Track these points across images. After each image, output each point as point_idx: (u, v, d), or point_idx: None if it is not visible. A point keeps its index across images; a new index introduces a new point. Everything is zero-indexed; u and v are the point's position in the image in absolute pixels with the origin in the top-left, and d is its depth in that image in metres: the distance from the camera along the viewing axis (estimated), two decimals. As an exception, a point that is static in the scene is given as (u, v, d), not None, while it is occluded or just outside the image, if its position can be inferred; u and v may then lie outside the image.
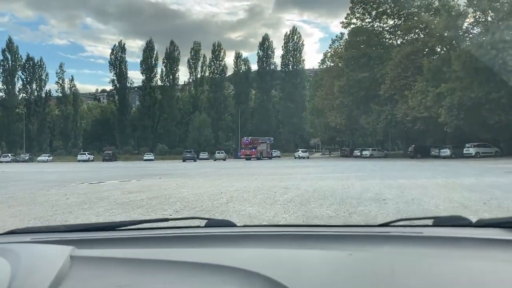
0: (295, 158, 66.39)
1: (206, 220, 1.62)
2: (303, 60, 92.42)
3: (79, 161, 68.91)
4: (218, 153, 64.85)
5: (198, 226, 1.57)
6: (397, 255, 1.13)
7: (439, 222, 1.46)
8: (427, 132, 55.50)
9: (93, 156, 73.56)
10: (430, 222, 1.46)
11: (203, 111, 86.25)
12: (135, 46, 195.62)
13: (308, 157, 65.58)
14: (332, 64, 71.42)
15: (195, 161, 61.31)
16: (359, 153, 63.82)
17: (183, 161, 59.98)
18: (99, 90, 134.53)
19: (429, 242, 1.20)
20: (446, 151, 46.08)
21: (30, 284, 0.98)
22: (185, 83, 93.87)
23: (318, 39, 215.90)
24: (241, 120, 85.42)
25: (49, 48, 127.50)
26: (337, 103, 64.07)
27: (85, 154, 71.61)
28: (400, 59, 52.07)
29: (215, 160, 63.08)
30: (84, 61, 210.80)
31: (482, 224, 1.34)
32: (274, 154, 73.39)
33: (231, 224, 1.60)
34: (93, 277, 1.04)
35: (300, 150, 69.39)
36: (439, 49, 53.12)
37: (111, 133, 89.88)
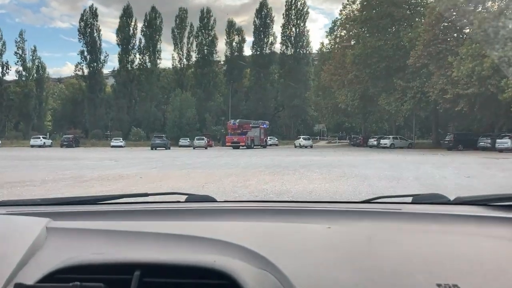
0: (295, 147, 53.39)
1: (187, 196, 1.60)
2: (308, 31, 78.63)
3: (32, 146, 56.49)
4: (198, 139, 51.81)
5: (178, 201, 1.55)
6: (376, 229, 1.14)
7: (418, 199, 1.47)
8: (470, 115, 42.16)
9: (50, 141, 60.81)
10: (409, 199, 1.46)
11: (189, 89, 73.00)
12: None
13: (311, 146, 52.51)
14: (344, 32, 57.76)
15: (167, 149, 48.38)
16: (375, 142, 50.63)
17: (151, 149, 47.14)
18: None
19: (408, 217, 1.23)
20: (507, 142, 32.76)
21: (5, 253, 1.00)
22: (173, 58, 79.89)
23: (323, 25, 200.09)
24: (233, 101, 72.05)
25: (51, 31, 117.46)
26: (350, 78, 50.63)
27: (39, 138, 58.81)
28: (437, 16, 38.44)
29: (194, 148, 50.12)
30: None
31: (460, 201, 1.38)
32: (270, 142, 60.30)
33: (211, 200, 1.60)
34: (68, 247, 1.05)
35: (301, 137, 56.31)
36: None
37: (83, 114, 76.90)
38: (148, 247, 1.04)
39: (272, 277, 0.88)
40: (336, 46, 59.31)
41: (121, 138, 60.27)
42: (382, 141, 48.77)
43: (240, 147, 47.98)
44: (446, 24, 37.64)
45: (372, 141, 51.30)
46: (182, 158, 23.67)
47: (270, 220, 1.26)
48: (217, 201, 1.59)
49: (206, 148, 50.57)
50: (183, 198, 1.60)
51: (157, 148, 47.59)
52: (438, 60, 38.84)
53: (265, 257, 0.93)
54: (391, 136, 50.91)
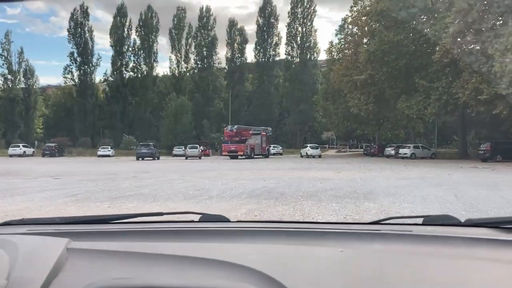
0: (302, 156, 47.29)
1: (201, 215, 1.61)
2: (315, 31, 72.69)
3: (10, 155, 51.24)
4: (191, 148, 45.88)
5: (192, 221, 1.57)
6: (387, 252, 1.15)
7: (429, 221, 1.46)
8: (506, 120, 35.90)
9: (32, 150, 55.41)
10: (420, 221, 1.44)
11: (187, 94, 67.35)
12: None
13: (319, 156, 46.35)
14: (356, 29, 51.80)
15: (155, 158, 42.52)
16: (392, 152, 44.37)
17: (137, 159, 41.35)
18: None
19: (419, 240, 1.22)
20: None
21: (29, 274, 1.02)
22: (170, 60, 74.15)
23: (329, 33, 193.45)
24: (234, 106, 66.24)
25: (60, 40, 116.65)
26: (363, 78, 44.53)
27: (18, 146, 53.43)
28: (469, 2, 32.33)
29: (186, 158, 44.20)
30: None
31: (471, 223, 1.35)
32: (273, 151, 54.27)
33: (225, 220, 1.60)
34: (89, 268, 1.07)
35: (308, 145, 50.11)
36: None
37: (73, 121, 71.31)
38: (164, 270, 1.05)
39: None
40: (347, 45, 53.38)
41: (109, 147, 54.76)
42: (402, 151, 42.48)
43: (239, 156, 42.01)
44: (483, 8, 31.52)
45: (389, 150, 45.00)
46: (143, 175, 17.74)
47: (283, 242, 1.26)
48: (230, 221, 1.59)
49: (199, 157, 44.64)
50: (197, 217, 1.61)
51: (144, 158, 41.77)
52: (470, 54, 32.71)
53: (279, 282, 0.93)
54: (411, 145, 44.64)
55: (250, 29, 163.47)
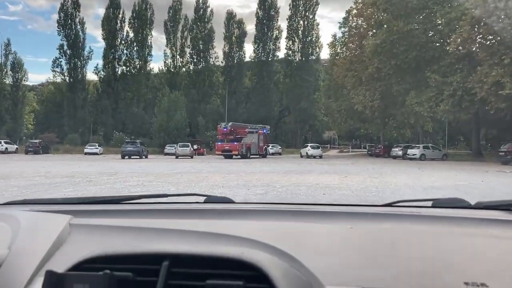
0: (302, 156, 43.92)
1: (206, 197, 1.61)
2: (317, 25, 69.10)
3: (-10, 153, 48.14)
4: (182, 146, 42.48)
5: (197, 202, 1.55)
6: (398, 231, 1.14)
7: (439, 203, 1.46)
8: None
9: (15, 147, 52.31)
10: (429, 203, 1.44)
11: (182, 89, 63.97)
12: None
13: (321, 156, 42.94)
14: (361, 20, 48.29)
15: (142, 157, 39.15)
16: (400, 152, 41.00)
17: (122, 158, 38.01)
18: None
19: (429, 220, 1.23)
20: None
21: (30, 247, 1.04)
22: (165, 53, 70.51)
23: (330, 34, 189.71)
24: (231, 103, 62.79)
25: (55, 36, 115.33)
26: (369, 72, 41.17)
27: (0, 143, 50.25)
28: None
29: (177, 157, 40.82)
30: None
31: (481, 206, 1.36)
32: (272, 150, 50.90)
33: (230, 201, 1.59)
34: (92, 242, 1.07)
35: (309, 145, 46.69)
36: None
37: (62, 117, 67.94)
38: (174, 241, 1.04)
39: (300, 274, 0.87)
40: (351, 38, 49.88)
41: (96, 144, 51.57)
42: (410, 151, 39.07)
43: (234, 156, 38.64)
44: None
45: (397, 151, 41.61)
46: (102, 178, 14.43)
47: (292, 220, 1.25)
48: (236, 203, 1.58)
49: (191, 157, 41.25)
50: (202, 199, 1.60)
51: (131, 157, 38.41)
52: (491, 45, 29.35)
53: (292, 255, 0.92)
54: (421, 145, 41.22)
55: (251, 28, 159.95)
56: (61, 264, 0.92)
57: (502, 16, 28.76)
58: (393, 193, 10.18)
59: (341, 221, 1.21)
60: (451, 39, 32.88)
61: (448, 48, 32.60)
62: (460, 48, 32.06)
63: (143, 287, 0.85)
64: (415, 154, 38.10)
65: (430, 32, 36.17)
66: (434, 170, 21.80)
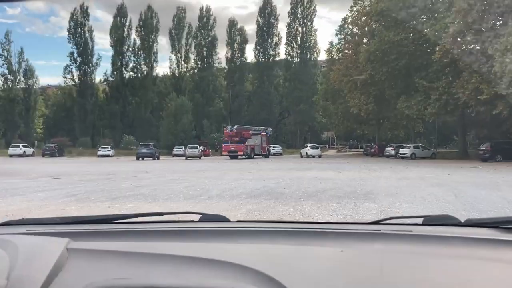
0: (302, 156, 47.28)
1: (201, 215, 1.62)
2: (315, 31, 72.71)
3: (11, 155, 51.39)
4: (191, 148, 45.90)
5: (193, 221, 1.57)
6: (387, 252, 1.16)
7: (429, 221, 1.46)
8: (506, 120, 35.88)
9: (32, 150, 55.46)
10: (420, 221, 1.44)
11: (187, 94, 67.40)
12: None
13: (319, 156, 46.36)
14: (356, 29, 51.74)
15: (155, 158, 42.55)
16: (392, 152, 44.40)
17: (137, 159, 41.37)
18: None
19: (419, 240, 1.23)
20: None
21: (29, 274, 1.02)
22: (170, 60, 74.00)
23: (329, 33, 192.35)
24: (234, 106, 66.21)
25: (60, 40, 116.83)
26: (363, 78, 44.57)
27: (18, 146, 53.54)
28: (470, 2, 32.31)
29: (186, 158, 44.21)
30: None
31: (471, 223, 1.36)
32: (273, 151, 54.28)
33: (225, 220, 1.61)
34: (89, 268, 1.08)
35: (308, 145, 50.13)
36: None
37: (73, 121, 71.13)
38: (165, 270, 1.05)
39: None
40: (347, 45, 53.34)
41: (109, 147, 54.80)
42: (402, 151, 42.49)
43: (239, 156, 42.02)
44: (483, 8, 31.51)
45: (389, 150, 45.01)
46: (143, 175, 17.79)
47: (283, 242, 1.26)
48: (230, 221, 1.59)
49: (199, 158, 44.66)
50: (197, 217, 1.61)
51: (144, 158, 41.76)
52: (470, 54, 32.74)
53: (279, 282, 0.93)
54: (411, 145, 44.65)
55: (250, 29, 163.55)
56: None
57: (478, 30, 32.22)
58: (373, 181, 13.57)
59: (333, 242, 1.24)
60: (437, 49, 36.31)
61: (433, 57, 35.94)
62: (443, 58, 35.41)
63: None
64: (406, 153, 41.49)
65: (418, 42, 39.49)
66: (417, 167, 25.17)
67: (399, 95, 41.31)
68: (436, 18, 37.56)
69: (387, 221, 1.50)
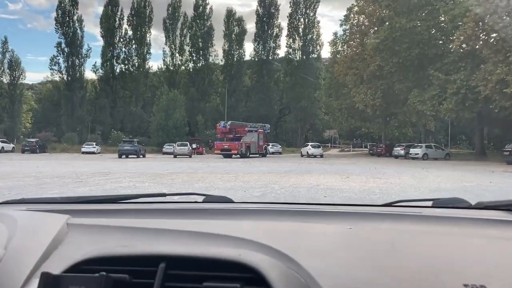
0: (302, 156, 43.30)
1: (204, 196, 1.61)
2: (318, 23, 68.37)
3: (-15, 152, 47.60)
4: (180, 145, 41.80)
5: (196, 202, 1.56)
6: (397, 231, 1.14)
7: (439, 203, 1.47)
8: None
9: (12, 146, 51.64)
10: (430, 203, 1.44)
11: (182, 88, 63.42)
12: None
13: (321, 155, 42.29)
14: (362, 17, 47.56)
15: (139, 156, 38.51)
16: (402, 152, 40.38)
17: (119, 157, 37.38)
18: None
19: (428, 220, 1.22)
20: None
21: (28, 246, 1.03)
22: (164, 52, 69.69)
23: (331, 32, 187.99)
24: (231, 102, 62.15)
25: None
26: (370, 70, 40.58)
27: (-6, 142, 49.64)
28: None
29: (175, 156, 40.16)
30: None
31: (481, 206, 1.35)
32: (272, 150, 50.29)
33: (228, 200, 1.59)
34: (89, 241, 1.07)
35: (309, 144, 46.00)
36: None
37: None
38: (171, 242, 1.04)
39: (298, 275, 0.86)
40: (352, 36, 49.17)
41: (94, 143, 50.91)
42: (413, 151, 38.39)
43: (233, 155, 37.99)
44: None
45: (399, 150, 40.98)
46: (93, 179, 13.83)
47: (290, 220, 1.24)
48: (234, 202, 1.57)
49: (190, 156, 40.62)
50: (201, 198, 1.59)
51: (129, 156, 37.75)
52: (496, 43, 28.69)
53: (289, 256, 0.92)
54: (423, 144, 40.51)
55: (251, 27, 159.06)
56: (57, 265, 0.92)
57: (506, 14, 28.14)
58: (398, 195, 9.52)
59: (340, 221, 1.19)
60: (455, 36, 32.25)
61: (451, 45, 31.91)
62: (464, 45, 31.37)
63: None
64: (418, 154, 37.44)
65: (433, 29, 35.49)
66: (439, 170, 21.14)
67: (410, 89, 37.29)
68: (455, 2, 33.44)
69: (397, 204, 1.48)
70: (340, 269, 0.89)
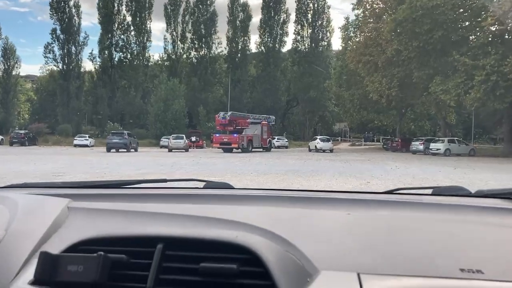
0: (310, 150, 39.59)
1: (205, 182, 1.63)
2: (328, 7, 64.12)
3: (-28, 144, 44.72)
4: (175, 138, 38.18)
5: (197, 188, 1.56)
6: (396, 217, 1.15)
7: (439, 191, 1.47)
8: None
9: (1, 137, 48.65)
10: (429, 191, 1.45)
11: (183, 77, 59.95)
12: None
13: (331, 150, 38.49)
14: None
15: (129, 150, 35.00)
16: (421, 147, 36.52)
17: (107, 151, 33.95)
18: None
19: (428, 208, 1.23)
20: None
21: (27, 228, 1.06)
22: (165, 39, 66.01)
23: (343, 17, 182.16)
24: (234, 92, 58.50)
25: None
26: (386, 56, 36.61)
27: (-18, 134, 46.69)
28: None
29: (170, 150, 36.63)
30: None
31: (481, 194, 1.37)
32: (277, 143, 46.68)
33: (229, 187, 1.63)
34: (90, 225, 1.09)
35: (318, 137, 42.15)
36: None
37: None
38: (169, 224, 1.06)
39: (295, 258, 0.88)
40: (366, 20, 45.09)
41: (86, 136, 47.93)
42: (434, 145, 34.48)
43: (234, 149, 34.44)
44: None
45: (417, 145, 37.08)
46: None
47: (289, 206, 1.26)
48: (235, 188, 1.60)
49: (186, 150, 37.10)
50: (201, 184, 1.60)
51: (119, 150, 34.29)
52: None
53: (286, 239, 0.93)
54: (445, 139, 36.57)
55: (256, 21, 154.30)
56: (57, 246, 0.94)
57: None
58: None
59: (339, 207, 1.20)
60: (485, 16, 28.22)
61: (482, 25, 27.89)
62: (496, 25, 27.34)
63: (137, 269, 0.88)
64: (439, 149, 33.56)
65: (460, 8, 31.36)
66: (474, 170, 17.39)
67: (431, 76, 33.30)
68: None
69: (397, 191, 1.48)
70: (337, 252, 0.91)
